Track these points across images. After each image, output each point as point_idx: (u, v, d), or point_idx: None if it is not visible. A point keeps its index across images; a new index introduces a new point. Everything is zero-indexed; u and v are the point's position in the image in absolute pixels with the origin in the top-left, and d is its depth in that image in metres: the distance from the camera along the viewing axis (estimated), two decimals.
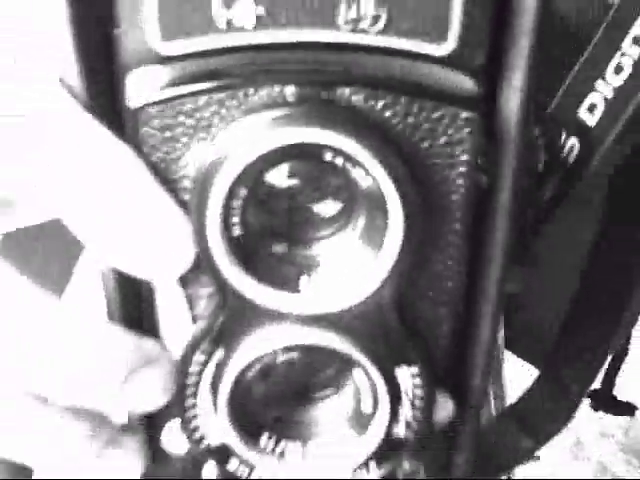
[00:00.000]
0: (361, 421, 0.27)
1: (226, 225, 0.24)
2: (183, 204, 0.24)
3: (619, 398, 0.77)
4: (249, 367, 0.26)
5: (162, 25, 0.22)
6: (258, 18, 0.22)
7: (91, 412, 0.28)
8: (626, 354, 0.74)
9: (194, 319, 0.26)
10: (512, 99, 0.24)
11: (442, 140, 0.24)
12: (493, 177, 0.24)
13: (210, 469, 0.28)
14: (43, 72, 0.27)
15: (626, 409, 0.77)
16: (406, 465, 0.29)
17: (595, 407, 0.76)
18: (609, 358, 0.71)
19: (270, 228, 0.25)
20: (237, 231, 0.24)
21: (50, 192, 0.24)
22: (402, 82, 0.23)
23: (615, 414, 0.77)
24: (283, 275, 0.24)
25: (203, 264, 0.24)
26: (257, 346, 0.25)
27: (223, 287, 0.24)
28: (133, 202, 0.24)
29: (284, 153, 0.22)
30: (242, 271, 0.24)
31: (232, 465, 0.27)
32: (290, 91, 0.22)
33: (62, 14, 0.22)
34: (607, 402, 0.76)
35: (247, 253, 0.24)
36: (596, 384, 0.73)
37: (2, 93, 0.41)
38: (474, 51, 0.23)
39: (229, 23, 0.22)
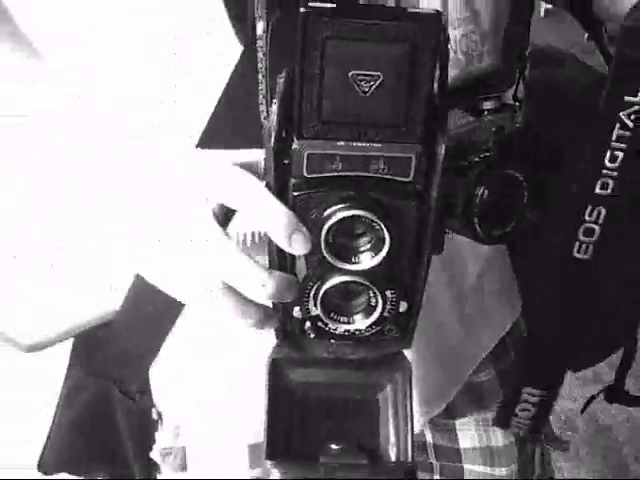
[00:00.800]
0: (369, 310, 0.58)
1: (327, 240, 0.54)
2: (309, 229, 0.54)
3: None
4: (330, 289, 0.57)
5: (307, 168, 0.53)
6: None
7: (261, 304, 0.60)
8: (635, 351, 0.90)
9: (308, 269, 0.56)
10: (432, 195, 0.54)
11: (404, 210, 0.54)
12: (426, 223, 0.56)
13: (309, 326, 0.59)
14: None
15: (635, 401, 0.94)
16: (387, 325, 0.59)
17: (609, 400, 0.94)
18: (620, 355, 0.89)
19: (344, 242, 0.55)
20: (331, 241, 0.55)
21: (257, 215, 0.56)
22: (392, 191, 0.54)
23: (628, 405, 0.95)
24: (348, 257, 0.55)
25: (314, 251, 0.55)
26: (334, 280, 0.56)
27: (322, 259, 0.55)
28: (289, 226, 0.54)
29: (348, 218, 0.53)
30: (332, 255, 0.55)
31: (320, 323, 0.59)
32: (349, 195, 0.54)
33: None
34: (620, 396, 0.93)
35: (335, 249, 0.55)
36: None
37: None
38: (419, 180, 0.54)
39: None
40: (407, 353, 0.71)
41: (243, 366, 0.81)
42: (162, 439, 0.92)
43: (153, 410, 0.90)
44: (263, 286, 0.57)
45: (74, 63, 0.72)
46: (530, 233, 0.68)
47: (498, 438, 0.98)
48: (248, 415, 0.83)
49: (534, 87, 0.74)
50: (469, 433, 0.99)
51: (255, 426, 0.78)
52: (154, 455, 0.93)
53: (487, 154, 0.68)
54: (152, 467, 0.94)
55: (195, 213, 0.59)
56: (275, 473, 0.60)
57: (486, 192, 0.66)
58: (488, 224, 0.67)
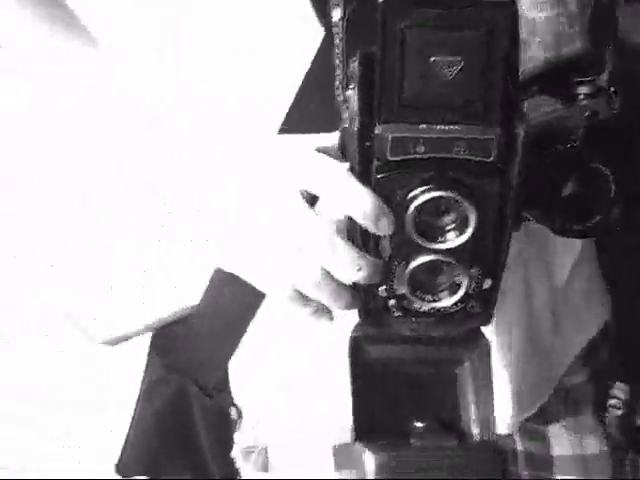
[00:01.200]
0: (455, 288, 0.60)
1: (412, 220, 0.56)
2: (393, 210, 0.56)
3: None
4: (416, 268, 0.59)
5: (391, 150, 0.55)
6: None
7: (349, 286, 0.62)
8: None
9: (392, 249, 0.58)
10: (513, 174, 0.56)
11: (488, 189, 0.56)
12: (508, 201, 0.57)
13: (393, 304, 0.61)
14: None
15: None
16: (470, 302, 0.61)
17: None
18: None
19: (429, 221, 0.57)
20: (416, 220, 0.56)
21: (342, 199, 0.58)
22: (475, 171, 0.56)
23: None
24: (434, 237, 0.57)
25: (399, 231, 0.57)
26: (420, 260, 0.58)
27: (408, 239, 0.57)
28: (374, 209, 0.56)
29: (433, 198, 0.56)
30: (418, 234, 0.57)
31: (405, 302, 0.61)
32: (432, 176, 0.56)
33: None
34: None
35: (420, 228, 0.57)
36: None
37: None
38: (500, 160, 0.55)
39: None
40: (503, 350, 0.78)
41: (326, 355, 0.80)
42: (243, 438, 0.92)
43: (232, 408, 0.90)
44: (359, 270, 0.59)
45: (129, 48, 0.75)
46: (616, 228, 0.68)
47: (592, 446, 0.97)
48: (333, 409, 0.81)
49: (621, 78, 0.72)
50: (562, 440, 0.97)
51: (340, 423, 0.78)
52: (235, 454, 0.92)
53: (574, 144, 0.67)
54: (232, 467, 0.93)
55: (287, 199, 0.61)
56: (369, 459, 0.62)
57: (571, 185, 0.66)
58: (570, 217, 0.66)
